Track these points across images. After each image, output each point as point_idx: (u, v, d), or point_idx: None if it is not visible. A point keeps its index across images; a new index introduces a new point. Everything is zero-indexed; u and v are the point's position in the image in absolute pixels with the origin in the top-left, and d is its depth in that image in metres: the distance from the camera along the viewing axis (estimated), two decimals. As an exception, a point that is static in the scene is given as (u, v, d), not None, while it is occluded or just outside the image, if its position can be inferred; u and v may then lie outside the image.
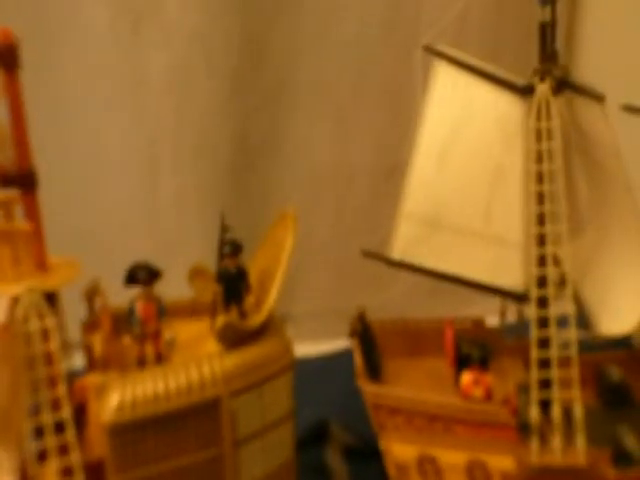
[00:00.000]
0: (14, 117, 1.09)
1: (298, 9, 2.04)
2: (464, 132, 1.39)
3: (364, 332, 1.47)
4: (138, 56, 1.96)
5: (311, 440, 1.66)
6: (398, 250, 1.44)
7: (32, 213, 1.13)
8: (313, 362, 1.98)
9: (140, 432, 1.12)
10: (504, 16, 2.11)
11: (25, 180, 1.12)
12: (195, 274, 1.40)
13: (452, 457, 1.29)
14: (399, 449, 1.31)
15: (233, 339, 1.22)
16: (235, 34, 1.99)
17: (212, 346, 1.24)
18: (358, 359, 1.40)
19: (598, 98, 1.24)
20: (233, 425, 1.20)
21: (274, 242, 1.36)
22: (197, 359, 1.18)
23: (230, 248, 1.29)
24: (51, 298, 1.12)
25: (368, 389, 1.33)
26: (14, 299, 1.07)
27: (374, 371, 1.44)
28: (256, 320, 1.26)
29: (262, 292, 1.32)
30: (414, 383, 1.43)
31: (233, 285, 1.30)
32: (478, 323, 1.56)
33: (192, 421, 1.16)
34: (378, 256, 1.46)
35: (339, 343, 2.12)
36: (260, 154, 2.12)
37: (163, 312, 1.24)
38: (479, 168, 1.38)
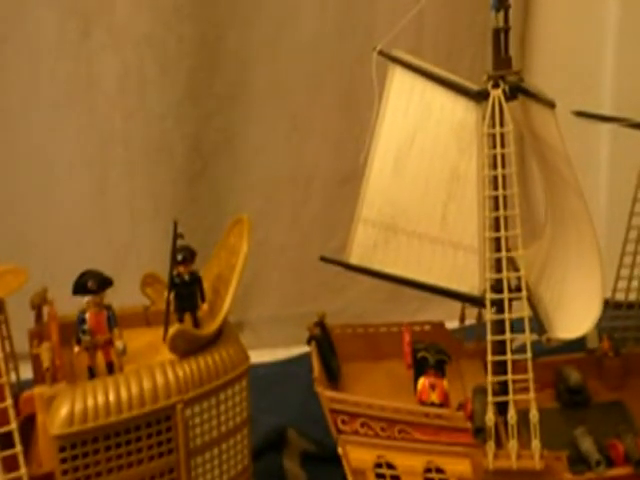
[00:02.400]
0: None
1: (253, 14, 2.05)
2: (420, 137, 1.41)
3: (323, 337, 1.49)
4: (88, 59, 1.94)
5: (268, 447, 1.67)
6: (356, 255, 1.46)
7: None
8: (270, 368, 1.99)
9: (91, 444, 1.12)
10: (459, 21, 2.15)
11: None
12: (148, 282, 1.41)
13: (409, 461, 1.30)
14: (356, 454, 1.33)
15: (186, 347, 1.22)
16: (188, 38, 1.99)
17: (165, 355, 1.23)
18: (316, 364, 1.42)
19: (549, 104, 1.28)
20: (187, 434, 1.20)
21: (228, 249, 1.37)
22: (149, 368, 1.18)
23: (183, 255, 1.29)
24: (-3, 307, 1.11)
25: (325, 394, 1.35)
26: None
27: (332, 376, 1.46)
28: (210, 328, 1.27)
29: (216, 299, 1.33)
30: (373, 388, 1.44)
31: (186, 292, 1.30)
32: (437, 327, 1.59)
33: (145, 431, 1.16)
34: (336, 261, 1.48)
35: (297, 349, 2.14)
36: (214, 159, 2.12)
37: (114, 321, 1.23)
38: (435, 173, 1.40)
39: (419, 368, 1.39)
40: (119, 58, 1.96)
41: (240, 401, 1.28)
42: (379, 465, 1.32)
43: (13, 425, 1.08)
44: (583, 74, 2.21)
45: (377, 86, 1.40)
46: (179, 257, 1.28)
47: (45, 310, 1.29)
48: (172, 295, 1.29)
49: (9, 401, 1.08)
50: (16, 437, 1.08)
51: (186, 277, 1.29)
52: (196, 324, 1.31)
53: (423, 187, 1.41)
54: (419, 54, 2.04)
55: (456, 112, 1.38)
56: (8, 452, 1.08)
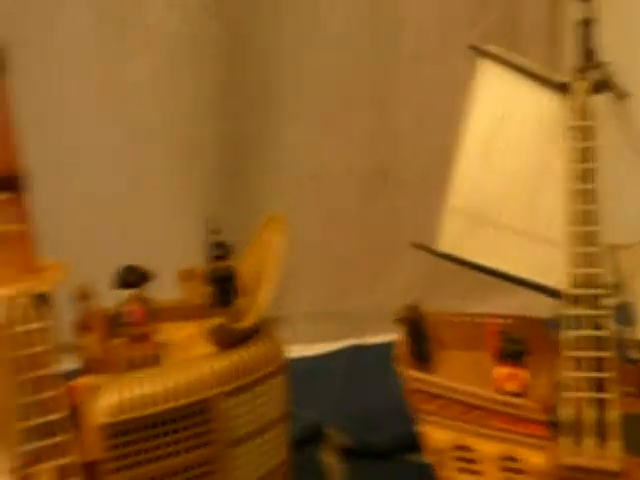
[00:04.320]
0: (2, 122, 1.11)
1: (283, 12, 2.08)
2: (507, 130, 1.43)
3: (416, 321, 1.52)
4: (124, 60, 2.00)
5: (306, 441, 1.69)
6: (445, 243, 1.48)
7: (21, 216, 1.15)
8: (306, 363, 2.01)
9: (133, 434, 1.15)
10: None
11: (12, 184, 1.14)
12: (185, 276, 1.44)
13: (485, 447, 1.34)
14: (435, 434, 1.37)
15: (225, 341, 1.25)
16: (220, 38, 2.03)
17: (204, 348, 1.26)
18: (401, 344, 1.45)
19: (623, 95, 1.28)
20: (226, 426, 1.23)
21: (263, 244, 1.39)
22: (189, 361, 1.22)
23: (220, 251, 1.32)
24: (43, 300, 1.15)
25: (407, 373, 1.38)
26: (5, 302, 1.10)
27: (422, 359, 1.49)
28: (248, 322, 1.29)
29: (254, 294, 1.35)
30: (459, 374, 1.46)
31: (224, 287, 1.33)
32: (529, 320, 1.59)
33: (185, 423, 1.19)
34: (427, 248, 1.50)
35: (332, 345, 2.16)
36: (249, 157, 2.15)
37: (153, 314, 1.26)
38: (522, 166, 1.42)
39: (504, 358, 1.40)
40: (153, 58, 2.00)
41: (278, 395, 1.31)
42: (457, 447, 1.36)
43: (62, 413, 1.12)
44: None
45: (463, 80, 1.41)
46: (216, 253, 1.31)
47: (88, 303, 1.32)
48: (210, 290, 1.32)
49: (57, 390, 1.12)
50: (63, 426, 1.12)
51: (223, 272, 1.32)
52: (234, 318, 1.32)
53: (509, 179, 1.43)
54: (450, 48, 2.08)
55: (542, 105, 1.40)
56: (56, 439, 1.11)
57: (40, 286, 1.13)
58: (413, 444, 1.50)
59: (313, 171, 2.20)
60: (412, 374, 1.39)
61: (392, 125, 2.23)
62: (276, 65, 2.10)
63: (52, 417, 1.11)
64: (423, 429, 1.40)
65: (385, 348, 1.97)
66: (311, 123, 2.17)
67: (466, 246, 1.47)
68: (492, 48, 1.44)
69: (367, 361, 2.07)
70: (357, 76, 2.16)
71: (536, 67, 1.42)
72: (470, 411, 1.34)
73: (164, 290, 1.34)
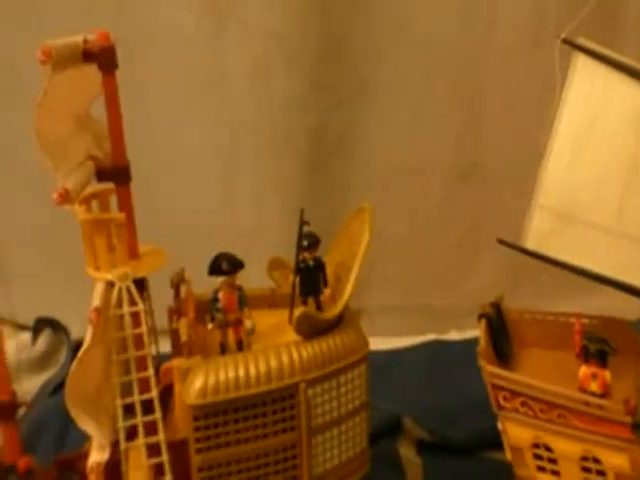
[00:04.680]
0: (111, 115, 1.18)
1: (374, 10, 2.09)
2: (600, 126, 1.40)
3: (497, 317, 1.52)
4: (221, 56, 2.05)
5: (384, 433, 1.71)
6: (532, 241, 1.47)
7: (125, 205, 1.22)
8: (385, 356, 2.01)
9: (221, 415, 1.20)
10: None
11: (120, 174, 1.21)
12: (274, 266, 1.48)
13: (566, 447, 1.33)
14: (515, 431, 1.37)
15: (310, 330, 1.28)
16: (313, 34, 2.06)
17: (290, 336, 1.29)
18: (483, 340, 1.45)
19: None
20: (309, 413, 1.25)
21: (350, 236, 1.41)
22: (276, 347, 1.25)
23: (308, 241, 1.34)
24: (141, 284, 1.21)
25: (488, 369, 1.38)
26: (108, 285, 1.17)
27: (502, 356, 1.49)
28: (333, 312, 1.31)
29: (338, 285, 1.37)
30: (540, 373, 1.45)
31: (311, 277, 1.35)
32: (611, 319, 1.56)
33: (270, 407, 1.23)
34: (512, 245, 1.49)
35: (412, 339, 2.17)
36: (336, 151, 2.17)
37: (244, 301, 1.30)
38: (613, 163, 1.39)
39: (587, 358, 1.38)
40: (250, 53, 2.05)
41: (359, 385, 1.32)
42: (536, 445, 1.35)
43: (154, 393, 1.17)
44: None
45: (556, 75, 1.39)
46: (305, 243, 1.33)
47: (183, 289, 1.38)
48: (297, 279, 1.35)
49: (151, 371, 1.18)
50: (156, 404, 1.17)
51: (311, 263, 1.34)
52: (319, 308, 1.35)
53: (600, 177, 1.41)
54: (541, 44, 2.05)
55: (637, 101, 1.36)
56: (149, 418, 1.17)
57: (139, 271, 1.19)
58: (492, 441, 1.51)
59: (400, 166, 2.20)
60: (493, 370, 1.38)
61: (481, 121, 2.21)
62: (366, 62, 2.12)
63: (145, 396, 1.17)
64: (503, 426, 1.39)
65: (466, 345, 1.99)
66: (399, 119, 2.17)
67: (552, 244, 1.45)
68: (587, 42, 1.39)
69: (447, 357, 2.07)
70: (446, 72, 2.15)
71: (633, 62, 1.37)
72: (551, 410, 1.33)
73: (253, 278, 1.38)
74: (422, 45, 2.13)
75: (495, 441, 1.46)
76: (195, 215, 2.10)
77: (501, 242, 1.51)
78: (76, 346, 2.05)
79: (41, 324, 2.15)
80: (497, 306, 1.55)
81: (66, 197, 1.06)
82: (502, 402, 1.37)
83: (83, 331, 1.98)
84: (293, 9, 2.02)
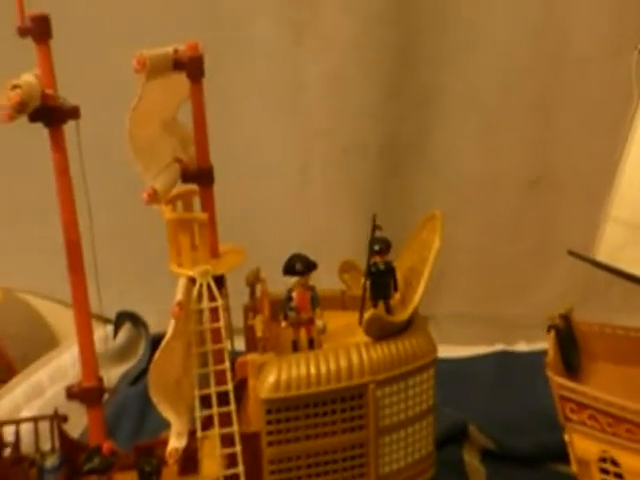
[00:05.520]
0: (197, 121, 1.23)
1: (449, 19, 2.10)
2: None
3: (567, 330, 1.51)
4: (299, 64, 2.11)
5: (449, 439, 1.70)
6: (603, 253, 1.46)
7: (208, 205, 1.27)
8: (452, 364, 2.01)
9: (292, 410, 1.23)
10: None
11: (204, 176, 1.26)
12: (346, 268, 1.50)
13: (634, 462, 1.30)
14: (582, 444, 1.35)
15: (380, 332, 1.29)
16: (388, 44, 2.09)
17: (359, 337, 1.31)
18: (551, 351, 1.44)
19: None
20: (377, 414, 1.27)
21: (421, 243, 1.42)
22: (346, 347, 1.27)
23: (380, 246, 1.35)
24: (220, 281, 1.25)
25: (556, 380, 1.37)
26: (190, 281, 1.21)
27: (570, 368, 1.47)
28: (402, 315, 1.33)
29: (408, 290, 1.38)
30: (607, 386, 1.43)
31: (381, 281, 1.37)
32: None
33: (340, 405, 1.25)
34: (583, 257, 1.48)
35: (479, 349, 2.15)
36: (408, 158, 2.19)
37: (317, 301, 1.33)
38: None
39: None
40: (326, 63, 2.10)
41: (427, 389, 1.33)
42: (603, 459, 1.33)
43: (229, 386, 1.21)
44: None
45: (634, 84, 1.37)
46: (376, 247, 1.35)
47: (258, 287, 1.42)
48: (368, 283, 1.36)
49: (227, 364, 1.22)
50: (231, 397, 1.21)
51: (382, 267, 1.36)
52: (388, 311, 1.37)
53: None
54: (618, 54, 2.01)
55: None
56: (224, 409, 1.21)
57: (219, 269, 1.24)
58: (558, 453, 1.49)
59: (471, 174, 2.20)
60: (561, 382, 1.36)
61: (553, 130, 2.18)
62: (439, 71, 2.13)
63: (221, 388, 1.21)
64: (570, 438, 1.37)
65: (535, 356, 1.96)
66: (471, 127, 2.17)
67: (624, 257, 1.42)
68: None
69: (515, 367, 2.04)
70: (519, 81, 2.14)
71: None
72: (619, 424, 1.30)
73: (324, 280, 1.41)
74: (495, 54, 2.12)
75: (561, 453, 1.44)
76: (270, 217, 2.17)
77: (572, 254, 1.49)
78: (154, 339, 2.15)
79: (122, 318, 2.25)
80: (567, 318, 1.52)
81: (154, 197, 1.12)
82: (569, 414, 1.35)
83: (160, 325, 2.12)
84: (368, 20, 2.05)
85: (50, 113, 1.15)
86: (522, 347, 2.18)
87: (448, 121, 2.17)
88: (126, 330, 2.25)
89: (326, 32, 2.07)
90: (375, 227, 1.35)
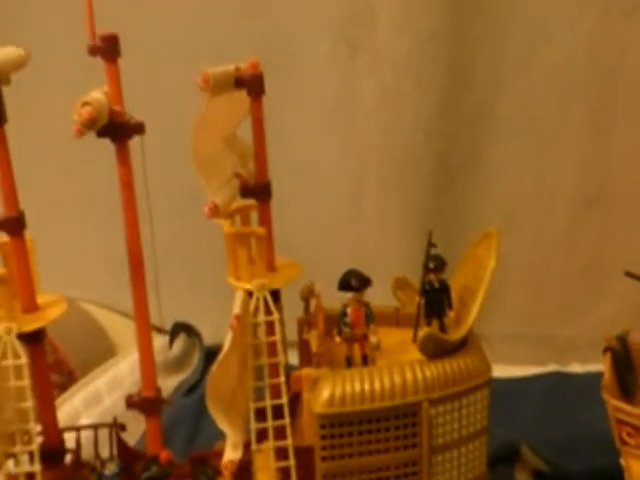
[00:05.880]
0: (256, 137, 1.25)
1: (503, 35, 2.08)
2: None
3: (622, 351, 1.47)
4: (353, 80, 2.12)
5: (501, 460, 1.67)
6: None
7: (265, 220, 1.28)
8: (504, 384, 1.95)
9: (346, 426, 1.22)
10: None
11: (262, 191, 1.28)
12: (400, 285, 1.49)
13: None
14: (638, 469, 1.32)
15: (434, 350, 1.28)
16: (442, 60, 2.08)
17: (413, 355, 1.30)
18: (607, 373, 1.41)
19: None
20: (430, 432, 1.26)
21: (476, 261, 1.40)
22: (400, 365, 1.26)
23: (435, 263, 1.35)
24: (276, 295, 1.26)
25: (612, 403, 1.34)
26: (247, 294, 1.22)
27: (627, 391, 1.43)
28: (457, 334, 1.31)
29: (462, 309, 1.37)
30: None
31: (436, 299, 1.36)
32: None
33: (393, 423, 1.24)
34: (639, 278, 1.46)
35: (531, 369, 2.11)
36: (460, 175, 2.17)
37: (371, 318, 1.32)
38: None
39: None
40: (380, 79, 2.10)
41: (481, 408, 1.31)
42: None
43: (284, 399, 1.21)
44: None
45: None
46: (431, 265, 1.34)
47: (312, 302, 1.42)
48: (423, 300, 1.35)
49: (282, 378, 1.22)
50: (285, 410, 1.21)
51: (436, 284, 1.35)
52: (443, 329, 1.35)
53: None
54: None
55: None
56: (278, 423, 1.21)
57: (276, 283, 1.25)
58: (613, 477, 1.42)
59: (524, 192, 2.17)
60: (618, 405, 1.32)
61: (609, 148, 2.13)
62: (492, 88, 2.11)
63: (276, 402, 1.22)
64: (626, 463, 1.33)
65: (589, 378, 1.93)
66: (524, 145, 2.14)
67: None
68: None
69: (569, 389, 2.01)
70: (575, 97, 2.10)
71: None
72: None
73: (377, 297, 1.40)
74: (551, 71, 2.09)
75: (616, 478, 1.38)
76: (321, 232, 2.18)
77: (629, 275, 1.46)
78: (207, 351, 2.18)
79: (177, 329, 2.28)
80: (623, 340, 1.48)
81: (215, 211, 1.14)
82: (626, 438, 1.32)
83: (214, 337, 2.15)
84: (422, 36, 2.05)
85: (117, 129, 1.17)
86: (576, 368, 2.14)
87: (503, 137, 2.14)
88: (181, 341, 2.28)
89: (379, 48, 2.08)
90: (430, 244, 1.34)
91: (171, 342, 2.26)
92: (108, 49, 1.17)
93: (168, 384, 2.06)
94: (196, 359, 2.23)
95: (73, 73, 1.77)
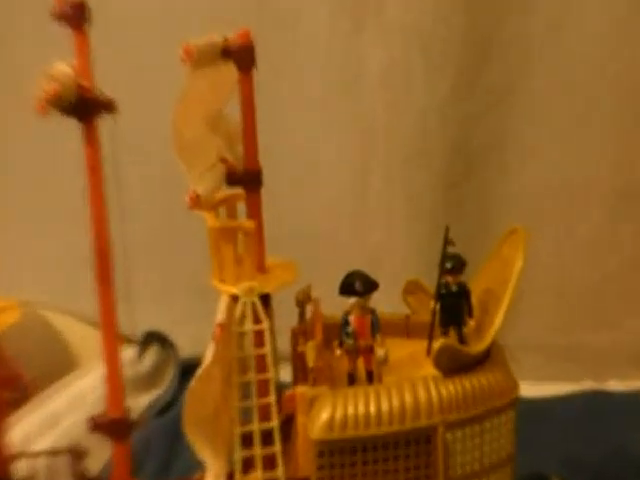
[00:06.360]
0: (246, 116, 1.22)
1: (531, 7, 2.06)
2: None
3: None
4: (356, 54, 2.11)
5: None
6: None
7: (255, 212, 1.26)
8: (533, 404, 1.97)
9: (348, 454, 1.20)
10: None
11: (251, 179, 1.25)
12: (411, 289, 1.47)
13: None
14: None
15: (451, 365, 1.26)
16: (459, 34, 2.07)
17: (427, 370, 1.28)
18: None
19: None
20: (447, 461, 1.23)
21: (501, 261, 1.38)
22: (412, 382, 1.24)
23: (453, 264, 1.33)
24: (266, 300, 1.24)
25: None
26: (233, 299, 1.20)
27: None
28: (479, 346, 1.29)
29: (485, 316, 1.35)
30: None
31: (454, 305, 1.34)
32: None
33: (403, 450, 1.21)
34: None
35: (566, 386, 2.11)
36: (481, 162, 2.16)
37: (377, 327, 1.30)
38: None
39: None
40: (386, 52, 2.09)
41: (506, 433, 1.29)
42: None
43: (275, 422, 1.19)
44: None
45: None
46: (448, 265, 1.32)
47: (309, 308, 1.40)
48: (438, 306, 1.34)
49: (273, 397, 1.20)
50: (276, 435, 1.19)
51: (454, 288, 1.33)
52: (461, 340, 1.34)
53: None
54: None
55: None
56: (267, 450, 1.19)
57: (266, 286, 1.22)
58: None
59: (554, 182, 2.15)
60: None
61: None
62: (523, 58, 2.09)
63: (266, 425, 1.20)
64: None
65: (630, 397, 1.92)
66: (558, 126, 2.13)
67: None
68: None
69: (607, 410, 1.99)
70: (620, 73, 2.09)
71: None
72: None
73: (383, 302, 1.38)
74: (590, 36, 2.07)
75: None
76: (321, 227, 2.16)
77: None
78: (185, 365, 2.15)
79: (149, 339, 2.26)
80: None
81: (197, 202, 1.12)
82: None
83: (192, 349, 2.12)
84: (436, 7, 2.04)
85: (85, 106, 1.14)
86: (615, 386, 2.13)
87: (532, 118, 2.13)
88: (153, 353, 2.26)
89: (387, 20, 2.07)
90: (447, 242, 1.32)
91: (142, 354, 2.24)
92: (75, 15, 1.13)
93: (138, 403, 2.04)
94: (171, 374, 2.21)
95: (36, 43, 1.75)
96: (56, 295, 2.29)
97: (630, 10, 2.05)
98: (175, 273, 2.20)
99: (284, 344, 1.40)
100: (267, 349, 1.20)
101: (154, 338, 2.27)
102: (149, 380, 2.18)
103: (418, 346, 1.37)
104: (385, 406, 1.20)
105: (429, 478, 1.23)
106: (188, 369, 2.03)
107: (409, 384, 1.23)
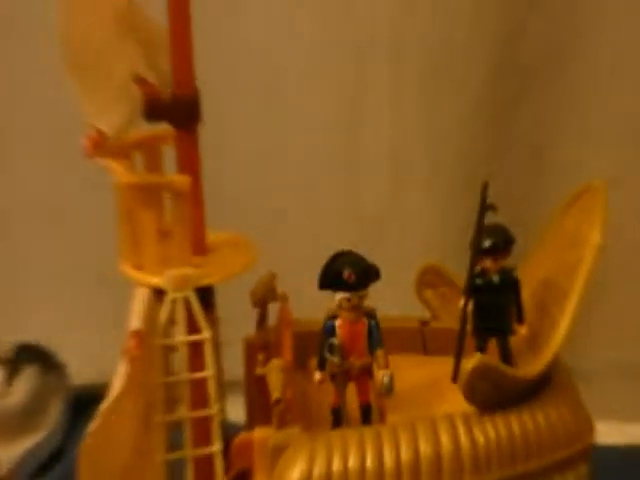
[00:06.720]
0: (175, 14, 1.22)
1: None
2: None
3: None
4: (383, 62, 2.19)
5: None
6: None
7: (189, 162, 1.26)
8: (615, 453, 2.04)
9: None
10: None
11: (184, 112, 1.24)
12: (428, 280, 1.50)
13: None
14: None
15: (491, 395, 1.27)
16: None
17: (453, 404, 1.31)
18: None
19: None
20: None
21: (565, 237, 1.42)
22: (429, 422, 1.25)
23: (493, 240, 1.34)
24: (208, 297, 1.26)
25: None
26: (155, 294, 1.21)
27: None
28: (533, 367, 1.31)
29: (542, 320, 1.38)
30: None
31: (494, 303, 1.36)
32: None
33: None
34: None
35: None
36: (530, 97, 2.22)
37: (377, 338, 1.31)
38: None
39: None
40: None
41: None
42: None
43: (224, 481, 1.22)
44: None
45: None
46: (487, 244, 1.34)
47: (272, 309, 1.42)
48: (471, 306, 1.36)
49: (217, 445, 1.22)
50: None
51: (494, 278, 1.35)
52: (506, 358, 1.36)
53: None
54: None
55: None
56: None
57: (208, 276, 1.23)
58: None
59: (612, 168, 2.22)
60: None
61: None
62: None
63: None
64: None
65: None
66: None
67: None
68: None
69: None
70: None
71: None
72: None
73: (387, 299, 1.39)
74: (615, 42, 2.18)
75: None
76: (298, 187, 2.19)
77: None
78: (78, 395, 2.17)
79: (23, 356, 2.27)
80: None
81: (99, 144, 1.11)
82: None
83: (88, 371, 2.14)
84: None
85: None
86: None
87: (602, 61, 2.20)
88: (30, 377, 2.27)
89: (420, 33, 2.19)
90: (485, 206, 1.33)
91: (10, 378, 2.25)
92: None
93: (7, 452, 2.06)
94: (57, 409, 2.23)
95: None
96: None
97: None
98: (64, 264, 2.20)
99: (235, 364, 1.43)
100: (209, 372, 1.23)
101: (31, 354, 2.28)
102: (24, 418, 2.21)
103: (439, 367, 1.40)
104: (388, 460, 1.21)
105: None
106: (85, 402, 2.03)
107: (425, 425, 1.25)
